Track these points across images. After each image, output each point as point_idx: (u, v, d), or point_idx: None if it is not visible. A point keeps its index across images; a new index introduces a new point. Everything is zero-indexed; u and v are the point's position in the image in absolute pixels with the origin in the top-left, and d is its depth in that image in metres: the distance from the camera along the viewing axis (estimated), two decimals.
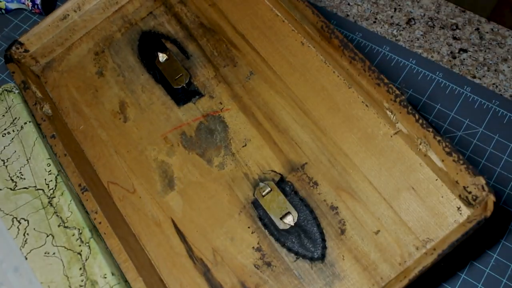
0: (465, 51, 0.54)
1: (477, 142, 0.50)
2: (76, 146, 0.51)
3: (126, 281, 0.46)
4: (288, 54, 0.51)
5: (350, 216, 0.44)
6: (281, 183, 0.46)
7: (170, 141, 0.50)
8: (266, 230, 0.45)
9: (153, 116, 0.51)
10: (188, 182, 0.48)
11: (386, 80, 0.44)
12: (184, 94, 0.52)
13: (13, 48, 0.54)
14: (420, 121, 0.42)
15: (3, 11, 0.63)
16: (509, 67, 0.53)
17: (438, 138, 0.41)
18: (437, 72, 0.54)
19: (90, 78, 0.55)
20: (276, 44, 0.52)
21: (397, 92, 0.43)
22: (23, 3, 0.62)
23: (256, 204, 0.46)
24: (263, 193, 0.45)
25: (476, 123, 0.51)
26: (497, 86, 0.52)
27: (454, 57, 0.54)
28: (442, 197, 0.42)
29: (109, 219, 0.45)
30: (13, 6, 0.62)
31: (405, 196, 0.43)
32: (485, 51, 0.54)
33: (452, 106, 0.52)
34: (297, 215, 0.44)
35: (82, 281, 0.44)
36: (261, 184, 0.46)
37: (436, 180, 0.43)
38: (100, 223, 0.44)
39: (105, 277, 0.44)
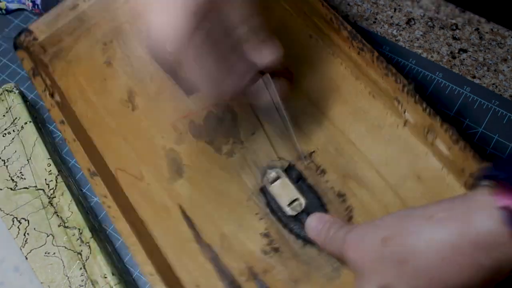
0: (465, 51, 0.55)
1: (476, 142, 0.50)
2: (84, 133, 0.52)
3: (126, 280, 0.46)
4: (296, 46, 0.52)
5: (357, 203, 0.44)
6: (289, 170, 0.47)
7: (179, 129, 0.50)
8: (274, 217, 0.45)
9: (161, 105, 0.52)
10: (197, 169, 0.48)
11: (394, 70, 0.45)
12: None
13: (22, 35, 0.55)
14: (428, 110, 0.43)
15: (4, 11, 0.63)
16: (508, 67, 0.53)
17: (445, 126, 0.42)
18: (437, 72, 0.55)
19: (99, 68, 0.55)
20: (284, 37, 0.52)
21: (405, 81, 0.44)
22: (24, 4, 0.62)
23: (264, 191, 0.46)
24: (271, 180, 0.46)
25: (476, 123, 0.51)
26: (496, 86, 0.53)
27: (454, 57, 0.55)
28: (448, 185, 0.43)
29: (117, 204, 0.45)
30: (13, 6, 0.63)
31: (411, 184, 0.44)
32: (485, 51, 0.55)
33: (451, 106, 0.53)
34: (304, 201, 0.45)
35: (82, 281, 0.45)
36: (269, 171, 0.46)
37: (442, 169, 0.44)
38: (109, 207, 0.45)
39: (105, 277, 0.44)
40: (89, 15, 0.57)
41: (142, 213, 0.47)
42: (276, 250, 0.44)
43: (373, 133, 0.47)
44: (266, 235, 0.45)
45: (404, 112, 0.45)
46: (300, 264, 0.43)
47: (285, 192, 0.45)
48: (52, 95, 0.51)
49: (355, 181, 0.45)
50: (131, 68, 0.54)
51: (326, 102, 0.49)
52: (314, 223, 0.42)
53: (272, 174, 0.46)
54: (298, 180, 0.46)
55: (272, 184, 0.46)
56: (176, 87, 0.52)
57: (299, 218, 0.45)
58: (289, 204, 0.45)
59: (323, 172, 0.46)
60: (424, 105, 0.43)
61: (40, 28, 0.55)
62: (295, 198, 0.45)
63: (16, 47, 0.54)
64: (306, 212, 0.45)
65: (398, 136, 0.46)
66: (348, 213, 0.44)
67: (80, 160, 0.47)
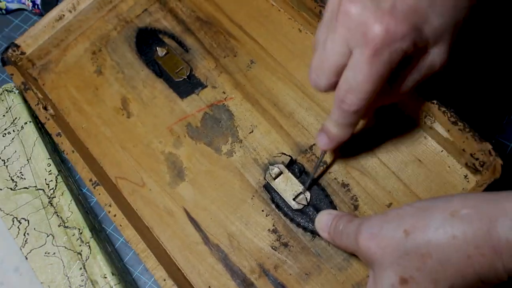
0: None
1: None
2: (81, 144, 0.51)
3: (126, 280, 0.46)
4: (287, 41, 0.52)
5: (361, 192, 0.45)
6: (291, 164, 0.47)
7: (176, 133, 0.50)
8: (280, 212, 0.45)
9: (156, 110, 0.52)
10: (198, 171, 0.48)
11: None
12: (186, 86, 0.52)
13: (10, 50, 0.54)
14: (424, 94, 0.43)
15: (4, 11, 0.62)
16: None
17: (443, 109, 0.43)
18: None
19: (89, 77, 0.55)
20: (274, 33, 0.53)
21: None
22: (24, 3, 0.61)
23: (267, 187, 0.46)
24: (274, 176, 0.46)
25: None
26: None
27: None
28: (449, 167, 0.44)
29: (122, 212, 0.45)
30: (13, 6, 0.62)
31: (412, 168, 0.45)
32: None
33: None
34: (309, 194, 0.45)
35: (82, 281, 0.44)
36: (271, 167, 0.46)
37: (442, 151, 0.44)
38: (115, 215, 0.44)
39: (105, 277, 0.44)
40: (75, 26, 0.56)
41: (147, 219, 0.47)
42: (285, 245, 0.44)
43: (371, 121, 0.47)
44: (273, 231, 0.45)
45: None
46: (310, 257, 0.43)
47: (289, 187, 0.46)
48: (45, 108, 0.51)
49: (357, 170, 0.46)
50: (122, 75, 0.54)
51: (321, 95, 0.49)
52: (324, 221, 0.41)
53: (275, 169, 0.46)
54: (301, 173, 0.46)
55: (275, 180, 0.46)
56: (170, 91, 0.52)
57: (305, 211, 0.45)
58: (294, 198, 0.45)
59: (325, 163, 0.46)
60: (421, 90, 0.44)
61: (27, 41, 0.55)
62: (299, 191, 0.45)
63: (4, 62, 0.53)
64: (312, 204, 0.45)
65: (396, 122, 0.46)
66: (354, 202, 0.44)
67: (81, 171, 0.47)
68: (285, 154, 0.47)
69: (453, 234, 0.31)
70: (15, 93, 0.53)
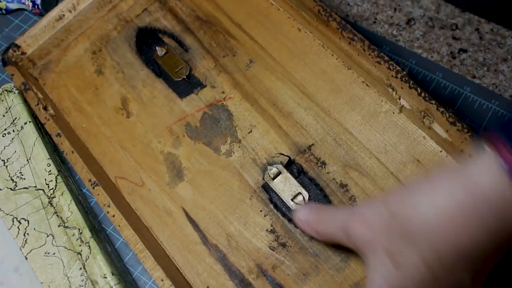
0: (465, 51, 0.55)
1: None
2: (81, 144, 0.51)
3: (126, 280, 0.46)
4: (286, 40, 0.52)
5: (360, 193, 0.45)
6: (290, 165, 0.47)
7: (176, 133, 0.50)
8: (278, 212, 0.45)
9: (156, 110, 0.52)
10: (197, 171, 0.48)
11: (386, 58, 0.45)
12: (185, 86, 0.52)
13: (10, 51, 0.54)
14: (423, 94, 0.43)
15: (4, 11, 0.62)
16: (508, 67, 0.53)
17: (441, 109, 0.43)
18: (437, 72, 0.54)
19: (89, 77, 0.55)
20: (274, 32, 0.53)
21: (398, 68, 0.45)
22: (24, 3, 0.61)
23: (266, 188, 0.46)
24: (272, 176, 0.46)
25: (476, 123, 0.51)
26: (497, 86, 0.53)
27: (454, 57, 0.55)
28: (448, 167, 0.44)
29: (121, 212, 0.45)
30: (13, 6, 0.62)
31: (411, 168, 0.44)
32: (485, 51, 0.54)
33: (451, 106, 0.52)
34: (307, 195, 0.45)
35: (82, 281, 0.44)
36: (270, 168, 0.46)
37: (441, 151, 0.44)
38: (113, 216, 0.45)
39: (105, 277, 0.44)
40: (75, 25, 0.56)
41: (146, 219, 0.47)
42: (283, 245, 0.44)
43: (370, 122, 0.47)
44: (272, 231, 0.45)
45: (399, 98, 0.46)
46: (308, 257, 0.43)
47: (287, 187, 0.46)
48: (45, 108, 0.51)
49: (356, 171, 0.45)
50: (122, 75, 0.54)
51: (321, 94, 0.49)
52: (302, 211, 0.42)
53: (273, 170, 0.46)
54: (299, 174, 0.46)
55: (274, 180, 0.46)
56: (169, 91, 0.52)
57: None
58: (293, 199, 0.45)
59: (324, 164, 0.46)
60: (419, 90, 0.44)
61: (27, 41, 0.55)
62: (297, 192, 0.45)
63: (4, 63, 0.54)
64: None
65: (394, 122, 0.46)
66: (352, 202, 0.44)
67: (80, 171, 0.47)
68: (283, 154, 0.47)
69: (430, 198, 0.32)
70: (15, 93, 0.53)
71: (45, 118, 0.50)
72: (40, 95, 0.52)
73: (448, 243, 0.31)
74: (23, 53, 0.55)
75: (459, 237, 0.31)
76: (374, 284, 0.35)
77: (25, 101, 0.53)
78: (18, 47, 0.54)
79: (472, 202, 0.30)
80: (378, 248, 0.34)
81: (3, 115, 0.52)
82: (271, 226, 0.45)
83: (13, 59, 0.54)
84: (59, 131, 0.48)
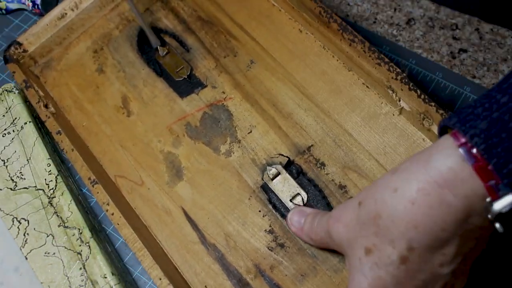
0: (465, 51, 0.55)
1: None
2: (81, 142, 0.51)
3: (126, 280, 0.46)
4: (287, 41, 0.52)
5: None
6: (289, 165, 0.47)
7: (176, 132, 0.50)
8: (277, 213, 0.45)
9: (156, 109, 0.52)
10: (196, 170, 0.48)
11: (386, 59, 0.45)
12: (186, 86, 0.52)
13: (12, 48, 0.54)
14: (422, 96, 0.43)
15: (4, 11, 0.63)
16: (508, 67, 0.53)
17: (441, 111, 0.43)
18: (437, 72, 0.54)
19: (91, 76, 0.55)
20: (275, 33, 0.53)
21: (398, 70, 0.45)
22: (24, 4, 0.62)
23: (265, 188, 0.46)
24: (272, 177, 0.46)
25: None
26: None
27: (454, 57, 0.55)
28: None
29: (120, 211, 0.45)
30: (13, 6, 0.62)
31: None
32: (485, 51, 0.54)
33: (451, 106, 0.52)
34: (306, 196, 0.45)
35: (82, 281, 0.45)
36: (269, 168, 0.46)
37: None
38: (112, 214, 0.45)
39: (105, 277, 0.44)
40: (78, 24, 0.56)
41: (145, 218, 0.47)
42: (281, 246, 0.44)
43: (370, 123, 0.47)
44: (270, 231, 0.45)
45: (399, 100, 0.46)
46: (306, 258, 0.43)
47: (286, 188, 0.46)
48: (46, 106, 0.51)
49: (355, 172, 0.45)
50: (123, 74, 0.54)
51: (321, 95, 0.49)
52: (296, 217, 0.43)
53: (272, 170, 0.46)
54: (299, 174, 0.46)
55: (273, 181, 0.46)
56: (170, 90, 0.53)
57: None
58: (291, 199, 0.45)
59: (323, 165, 0.46)
60: (419, 92, 0.44)
61: (29, 39, 0.55)
62: (296, 193, 0.45)
63: (6, 60, 0.54)
64: (309, 206, 0.45)
65: (394, 124, 0.46)
66: None
67: (80, 169, 0.47)
68: (282, 155, 0.47)
69: (396, 187, 0.32)
70: (15, 93, 0.53)
71: (46, 116, 0.50)
72: (41, 93, 0.52)
73: (420, 235, 0.31)
74: (24, 51, 0.55)
75: (429, 227, 0.31)
76: (354, 282, 0.35)
77: (25, 101, 0.53)
78: (20, 44, 0.55)
79: (435, 189, 0.30)
80: (355, 246, 0.35)
81: (3, 115, 0.52)
82: (270, 226, 0.45)
83: (14, 57, 0.54)
84: (60, 129, 0.49)
